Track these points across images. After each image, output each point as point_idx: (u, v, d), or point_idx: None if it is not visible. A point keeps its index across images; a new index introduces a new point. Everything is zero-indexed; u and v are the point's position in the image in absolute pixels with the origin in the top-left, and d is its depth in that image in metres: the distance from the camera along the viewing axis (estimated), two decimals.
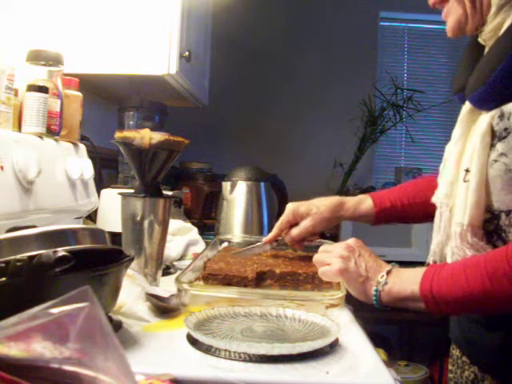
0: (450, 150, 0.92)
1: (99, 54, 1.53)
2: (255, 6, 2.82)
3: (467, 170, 0.82)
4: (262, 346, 0.69)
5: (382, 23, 3.10)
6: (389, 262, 0.88)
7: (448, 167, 0.91)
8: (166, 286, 1.02)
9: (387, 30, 3.14)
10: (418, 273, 0.80)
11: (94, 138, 1.54)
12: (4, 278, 0.59)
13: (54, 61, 1.17)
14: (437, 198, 0.93)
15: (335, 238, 2.14)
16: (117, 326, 0.78)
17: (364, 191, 2.81)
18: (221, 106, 2.71)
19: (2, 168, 0.95)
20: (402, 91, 2.86)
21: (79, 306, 0.41)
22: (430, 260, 0.93)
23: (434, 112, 2.96)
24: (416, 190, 1.17)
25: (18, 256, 0.61)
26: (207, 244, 1.42)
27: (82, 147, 1.34)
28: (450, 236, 0.87)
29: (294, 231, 1.15)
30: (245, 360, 0.68)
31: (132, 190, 1.08)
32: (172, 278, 0.95)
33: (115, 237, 0.97)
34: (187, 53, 1.65)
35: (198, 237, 1.53)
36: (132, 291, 0.89)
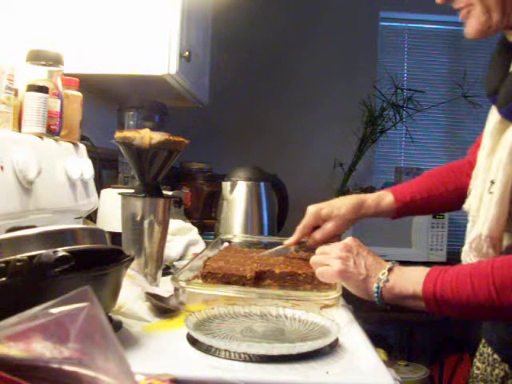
0: (481, 160, 0.91)
1: (99, 53, 1.53)
2: (255, 6, 2.81)
3: (492, 182, 0.82)
4: (262, 346, 0.69)
5: (382, 23, 3.10)
6: (389, 261, 0.88)
7: (479, 179, 0.90)
8: (165, 286, 1.02)
9: (387, 30, 3.14)
10: (420, 272, 0.80)
11: (94, 138, 1.54)
12: (4, 278, 0.59)
13: (53, 61, 1.17)
14: (468, 208, 0.93)
15: None
16: (117, 326, 0.78)
17: (364, 191, 2.81)
18: (221, 105, 2.71)
19: (2, 168, 0.95)
20: (402, 91, 2.86)
21: (79, 306, 0.41)
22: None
23: (433, 112, 2.96)
24: (438, 181, 1.17)
25: (18, 256, 0.61)
26: (207, 244, 1.42)
27: (82, 147, 1.34)
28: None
29: (317, 235, 1.14)
30: (245, 360, 0.68)
31: (132, 190, 1.08)
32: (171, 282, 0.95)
33: (115, 237, 0.97)
34: (187, 53, 1.65)
35: (198, 237, 1.53)
36: (132, 291, 0.89)
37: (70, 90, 1.27)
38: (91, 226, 1.40)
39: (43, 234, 0.65)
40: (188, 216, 1.94)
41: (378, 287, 0.82)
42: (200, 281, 0.98)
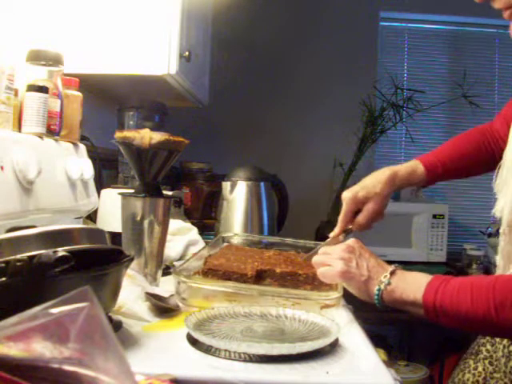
0: None
1: (99, 53, 1.53)
2: (255, 6, 2.82)
3: None
4: (262, 346, 0.69)
5: (382, 23, 3.10)
6: (389, 262, 0.88)
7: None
8: (166, 286, 1.02)
9: (387, 30, 3.13)
10: (422, 280, 0.79)
11: (94, 138, 1.54)
12: (4, 278, 0.59)
13: (53, 61, 1.17)
14: (501, 214, 0.93)
15: None
16: (117, 326, 0.78)
17: None
18: (221, 105, 2.71)
19: (2, 168, 0.95)
20: (402, 91, 2.86)
21: (79, 306, 0.41)
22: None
23: (433, 112, 2.96)
24: (467, 144, 1.17)
25: (18, 256, 0.61)
26: (207, 244, 1.42)
27: (82, 147, 1.34)
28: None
29: (361, 218, 1.12)
30: (245, 360, 0.68)
31: (132, 190, 1.08)
32: (172, 278, 0.95)
33: (115, 237, 0.97)
34: (187, 53, 1.65)
35: (198, 237, 1.53)
36: (132, 291, 0.89)
37: (70, 90, 1.27)
38: (91, 226, 1.40)
39: (43, 234, 0.65)
40: (188, 216, 1.94)
41: (379, 289, 0.82)
42: (201, 277, 0.99)
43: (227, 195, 1.71)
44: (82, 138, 1.37)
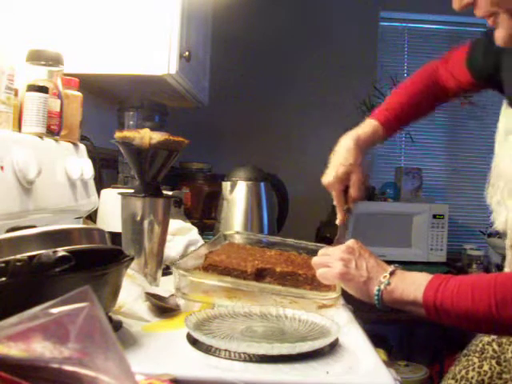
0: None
1: (99, 53, 1.53)
2: (255, 6, 2.82)
3: None
4: (262, 346, 0.69)
5: (382, 23, 3.10)
6: (389, 262, 0.88)
7: None
8: (165, 286, 1.02)
9: (387, 30, 3.14)
10: (422, 279, 0.79)
11: (94, 138, 1.54)
12: (4, 278, 0.59)
13: (53, 61, 1.17)
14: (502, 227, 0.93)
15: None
16: (117, 326, 0.78)
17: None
18: (221, 106, 2.71)
19: (2, 168, 0.95)
20: None
21: (79, 306, 0.41)
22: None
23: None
24: (416, 90, 1.24)
25: (18, 256, 0.61)
26: (206, 242, 1.42)
27: (82, 147, 1.34)
28: None
29: (353, 192, 1.14)
30: (245, 360, 0.68)
31: (132, 190, 1.08)
32: (172, 278, 0.95)
33: (115, 237, 0.97)
34: (187, 53, 1.65)
35: (198, 237, 1.52)
36: (132, 291, 0.89)
37: (70, 90, 1.27)
38: (91, 226, 1.40)
39: (43, 234, 0.65)
40: (188, 216, 1.94)
41: (378, 290, 0.82)
42: (201, 272, 0.99)
43: (227, 195, 1.71)
44: (82, 138, 1.37)
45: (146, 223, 1.04)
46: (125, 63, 1.54)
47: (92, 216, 1.51)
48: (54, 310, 0.40)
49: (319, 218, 2.66)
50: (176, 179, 2.29)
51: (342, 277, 0.86)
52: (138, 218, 1.04)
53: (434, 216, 2.60)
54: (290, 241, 1.34)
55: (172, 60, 1.54)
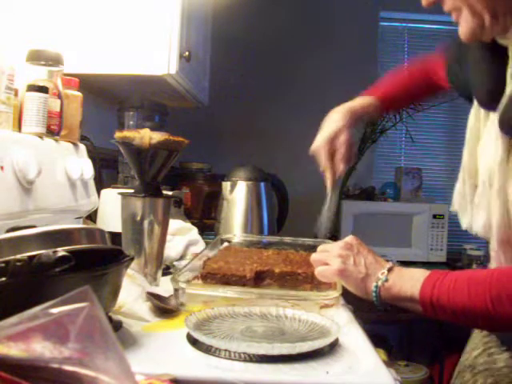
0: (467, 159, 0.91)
1: (99, 53, 1.53)
2: (255, 7, 2.81)
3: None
4: (262, 346, 0.69)
5: (381, 23, 3.10)
6: (388, 261, 0.88)
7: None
8: (166, 286, 1.02)
9: (387, 30, 3.14)
10: (420, 275, 0.79)
11: (94, 138, 1.54)
12: (4, 278, 0.59)
13: (53, 61, 1.17)
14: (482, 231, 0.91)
15: (335, 238, 2.14)
16: (117, 326, 0.78)
17: (364, 191, 2.81)
18: (221, 105, 2.71)
19: (1, 168, 0.95)
20: None
21: (79, 306, 0.41)
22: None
23: (433, 112, 2.96)
24: (409, 82, 1.25)
25: (18, 256, 0.61)
26: (207, 244, 1.42)
27: (82, 147, 1.34)
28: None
29: (342, 153, 1.13)
30: (245, 360, 0.68)
31: (132, 190, 1.08)
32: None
33: (115, 237, 0.97)
34: (187, 53, 1.65)
35: (198, 237, 1.52)
36: (132, 291, 0.89)
37: (70, 90, 1.27)
38: (91, 226, 1.40)
39: (43, 234, 0.65)
40: (188, 216, 1.94)
41: (376, 286, 0.82)
42: (200, 281, 0.98)
43: (227, 195, 1.71)
44: (82, 138, 1.37)
45: (146, 223, 1.04)
46: (125, 63, 1.54)
47: (92, 216, 1.51)
48: (54, 310, 0.40)
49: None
50: (176, 179, 2.29)
51: (340, 273, 0.86)
52: (138, 218, 1.04)
53: (434, 216, 2.60)
54: (288, 239, 1.34)
55: (172, 60, 1.54)
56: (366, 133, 2.82)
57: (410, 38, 3.14)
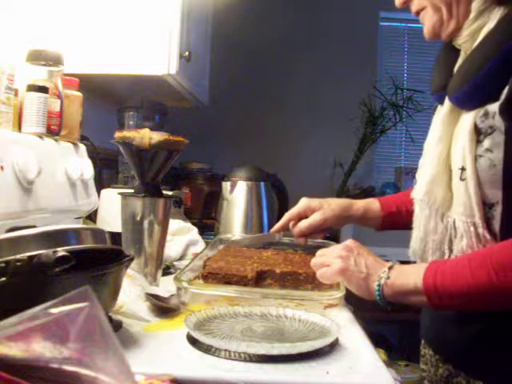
0: (431, 149, 0.91)
1: (99, 53, 1.53)
2: (255, 7, 2.82)
3: (463, 169, 0.82)
4: (262, 345, 0.69)
5: (381, 23, 3.10)
6: (388, 261, 0.88)
7: (430, 166, 0.90)
8: (166, 286, 1.02)
9: (387, 30, 3.14)
10: (420, 267, 0.80)
11: (94, 138, 1.54)
12: (4, 278, 0.59)
13: (53, 61, 1.17)
14: (417, 195, 0.93)
15: (336, 239, 2.14)
16: (117, 326, 0.78)
17: (364, 191, 2.81)
18: (221, 106, 2.71)
19: (1, 168, 0.95)
20: (402, 91, 2.86)
21: (79, 306, 0.41)
22: (410, 254, 0.97)
23: (433, 112, 2.96)
24: None
25: (18, 256, 0.61)
26: (207, 244, 1.42)
27: (82, 147, 1.34)
28: (429, 233, 0.89)
29: (303, 223, 1.16)
30: (245, 360, 0.68)
31: (132, 190, 1.08)
32: (172, 277, 0.95)
33: (115, 237, 0.97)
34: (187, 53, 1.65)
35: (198, 237, 1.52)
36: (132, 291, 0.89)
37: (70, 90, 1.27)
38: (91, 225, 1.40)
39: (43, 234, 0.65)
40: (188, 216, 1.94)
41: (379, 285, 0.82)
42: (201, 281, 0.98)
43: (227, 195, 1.71)
44: (82, 138, 1.37)
45: (146, 223, 1.04)
46: (125, 63, 1.54)
47: (92, 216, 1.51)
48: (54, 310, 0.40)
49: None
50: (176, 179, 2.29)
51: (342, 273, 0.86)
52: (138, 218, 1.04)
53: None
54: (287, 239, 1.34)
55: (172, 60, 1.54)
56: (366, 133, 2.82)
57: (410, 38, 3.14)
